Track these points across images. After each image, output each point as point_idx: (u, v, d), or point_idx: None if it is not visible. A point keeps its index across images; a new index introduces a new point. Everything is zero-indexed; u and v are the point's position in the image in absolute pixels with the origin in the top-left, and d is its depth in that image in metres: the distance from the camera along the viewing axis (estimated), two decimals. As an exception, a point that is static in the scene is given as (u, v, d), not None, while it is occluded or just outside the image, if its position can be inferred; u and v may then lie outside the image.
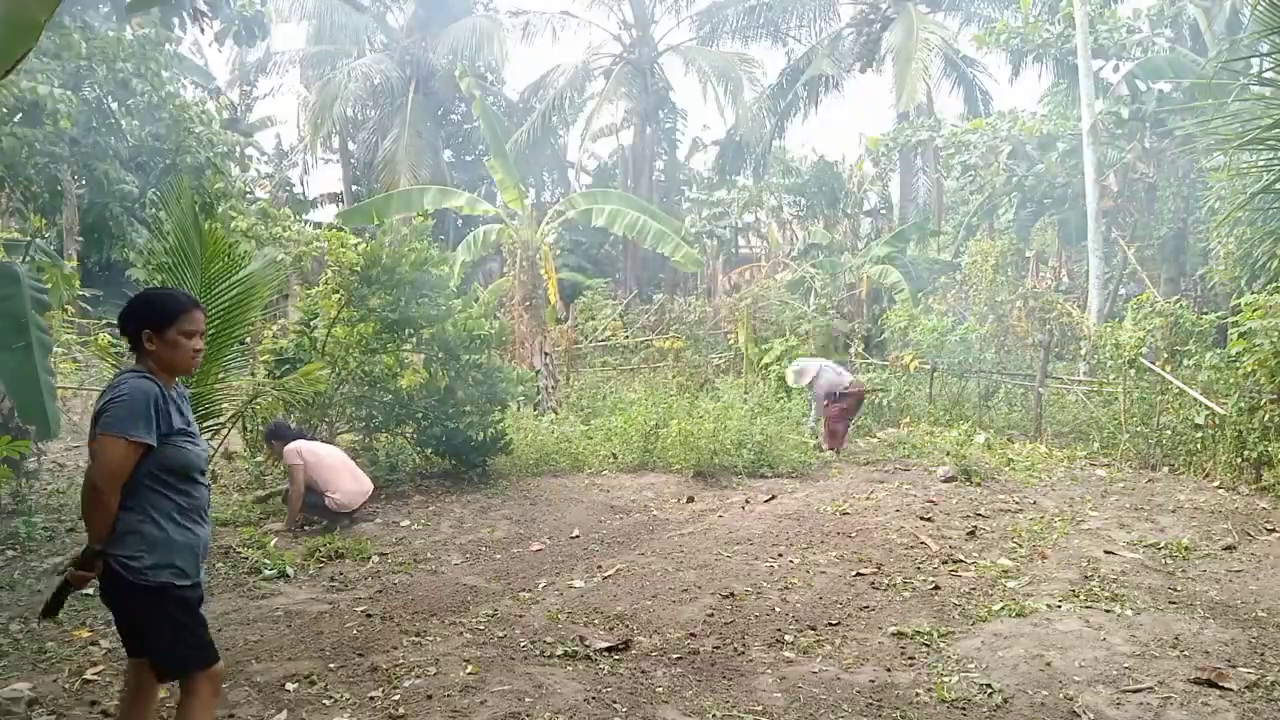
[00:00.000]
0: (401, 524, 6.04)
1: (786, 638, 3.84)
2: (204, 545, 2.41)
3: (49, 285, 5.39)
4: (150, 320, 2.34)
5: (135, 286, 6.25)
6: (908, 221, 20.66)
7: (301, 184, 28.50)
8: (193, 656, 2.37)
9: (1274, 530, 5.60)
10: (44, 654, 3.56)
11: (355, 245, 7.16)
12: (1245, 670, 3.40)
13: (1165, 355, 8.33)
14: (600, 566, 4.98)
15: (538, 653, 3.66)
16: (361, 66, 21.29)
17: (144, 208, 6.02)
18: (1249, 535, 5.49)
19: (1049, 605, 4.19)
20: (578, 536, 5.73)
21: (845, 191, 21.29)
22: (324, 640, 3.80)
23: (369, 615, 4.13)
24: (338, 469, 5.86)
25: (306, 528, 5.83)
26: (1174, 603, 4.23)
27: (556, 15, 22.53)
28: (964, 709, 3.14)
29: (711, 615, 4.12)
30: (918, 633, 3.86)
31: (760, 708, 3.16)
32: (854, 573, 4.77)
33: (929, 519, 5.93)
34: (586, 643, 3.74)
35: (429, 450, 7.42)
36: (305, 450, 5.77)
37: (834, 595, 4.40)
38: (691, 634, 3.89)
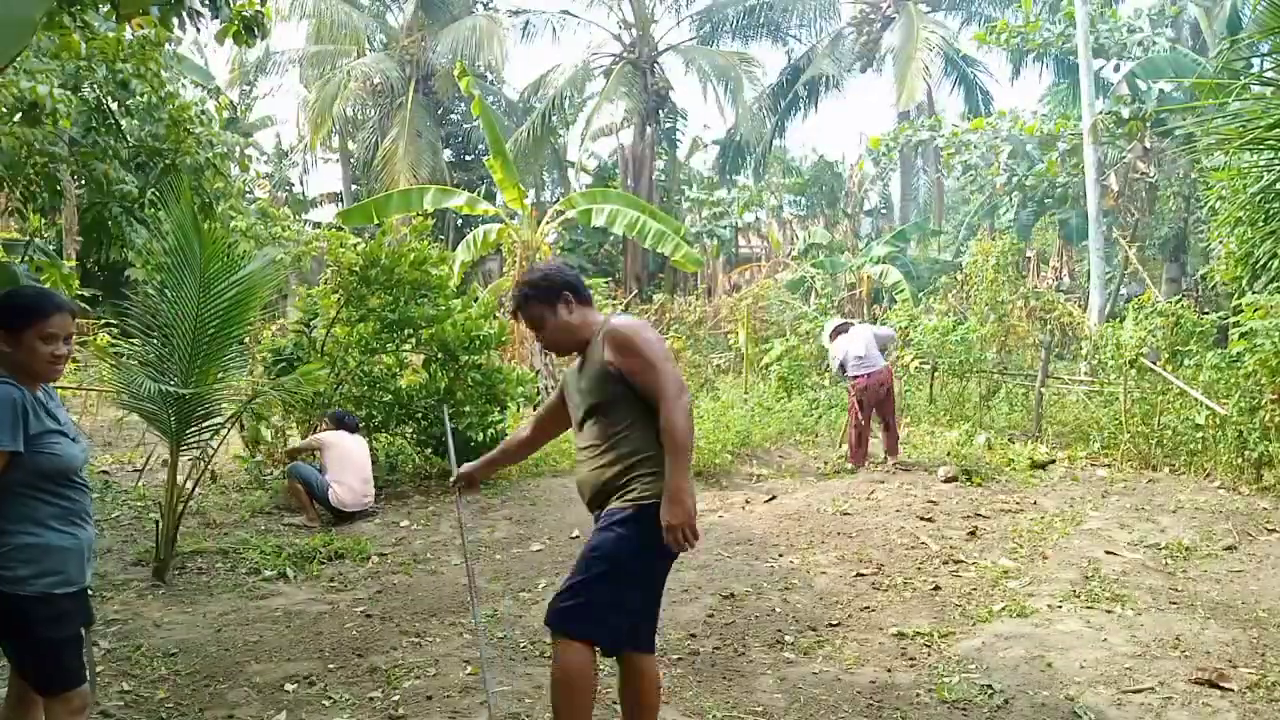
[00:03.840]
0: (401, 524, 6.04)
1: (787, 638, 3.84)
2: (88, 548, 2.30)
3: (48, 285, 5.38)
4: (3, 322, 2.17)
5: (134, 286, 6.25)
6: (908, 221, 20.70)
7: (301, 183, 28.58)
8: (53, 677, 2.23)
9: (1275, 530, 5.59)
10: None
11: (354, 245, 7.16)
12: (1246, 670, 3.39)
13: (1166, 355, 8.32)
14: (600, 567, 4.97)
15: (537, 653, 3.65)
16: (361, 66, 21.29)
17: (143, 208, 6.01)
18: (1250, 535, 5.48)
19: (1050, 606, 4.18)
20: (578, 537, 5.72)
21: (845, 191, 21.31)
22: (323, 641, 3.79)
23: (368, 616, 4.13)
24: (348, 468, 6.04)
25: (304, 529, 5.84)
26: (1175, 603, 4.22)
27: (556, 15, 22.54)
28: (965, 709, 3.13)
29: (712, 616, 4.11)
30: (918, 633, 3.86)
31: (760, 708, 3.15)
32: (854, 573, 4.76)
33: (929, 519, 5.92)
34: (586, 643, 3.73)
35: (429, 450, 7.42)
36: (332, 441, 6.14)
37: (834, 596, 4.40)
38: (691, 634, 3.88)
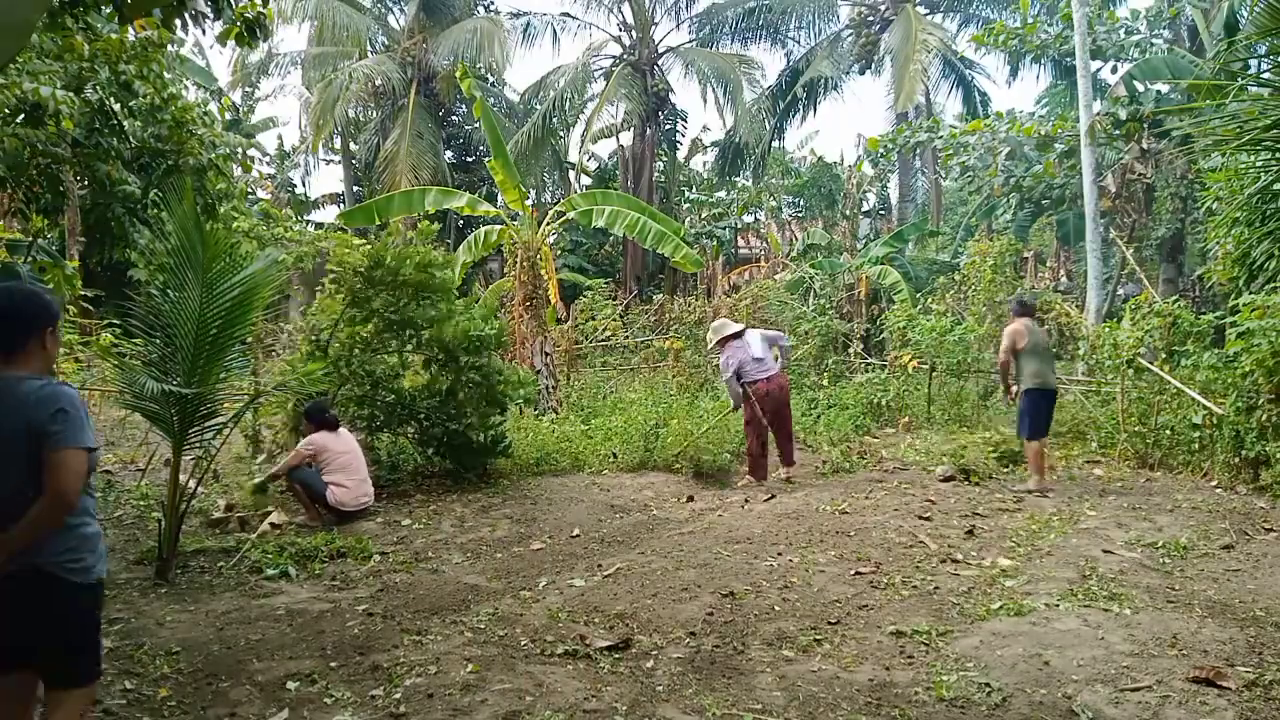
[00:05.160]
0: (403, 523, 6.06)
1: (786, 636, 3.85)
2: None
3: (51, 285, 5.41)
4: (52, 319, 2.30)
5: (137, 287, 6.28)
6: (906, 222, 20.71)
7: (303, 184, 28.60)
8: (97, 663, 2.39)
9: (1271, 529, 5.61)
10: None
11: (359, 246, 7.19)
12: (1243, 669, 3.41)
13: (1163, 355, 8.34)
14: (600, 565, 5.00)
15: (538, 651, 3.67)
16: (363, 68, 21.31)
17: (146, 209, 6.05)
18: (1247, 534, 5.50)
19: (1047, 604, 4.20)
20: (578, 535, 5.74)
21: (844, 192, 21.33)
22: (325, 639, 3.82)
23: (370, 614, 4.15)
24: (346, 469, 6.03)
25: (305, 529, 5.85)
26: (1172, 602, 4.24)
27: (557, 17, 22.59)
28: (963, 708, 3.15)
29: (711, 614, 4.13)
30: (916, 632, 3.88)
31: (760, 706, 3.17)
32: (853, 572, 4.78)
33: (928, 518, 5.94)
34: (587, 641, 3.76)
35: (430, 450, 7.44)
36: (323, 445, 6.00)
37: (833, 594, 4.42)
38: (691, 633, 3.90)
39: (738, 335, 7.69)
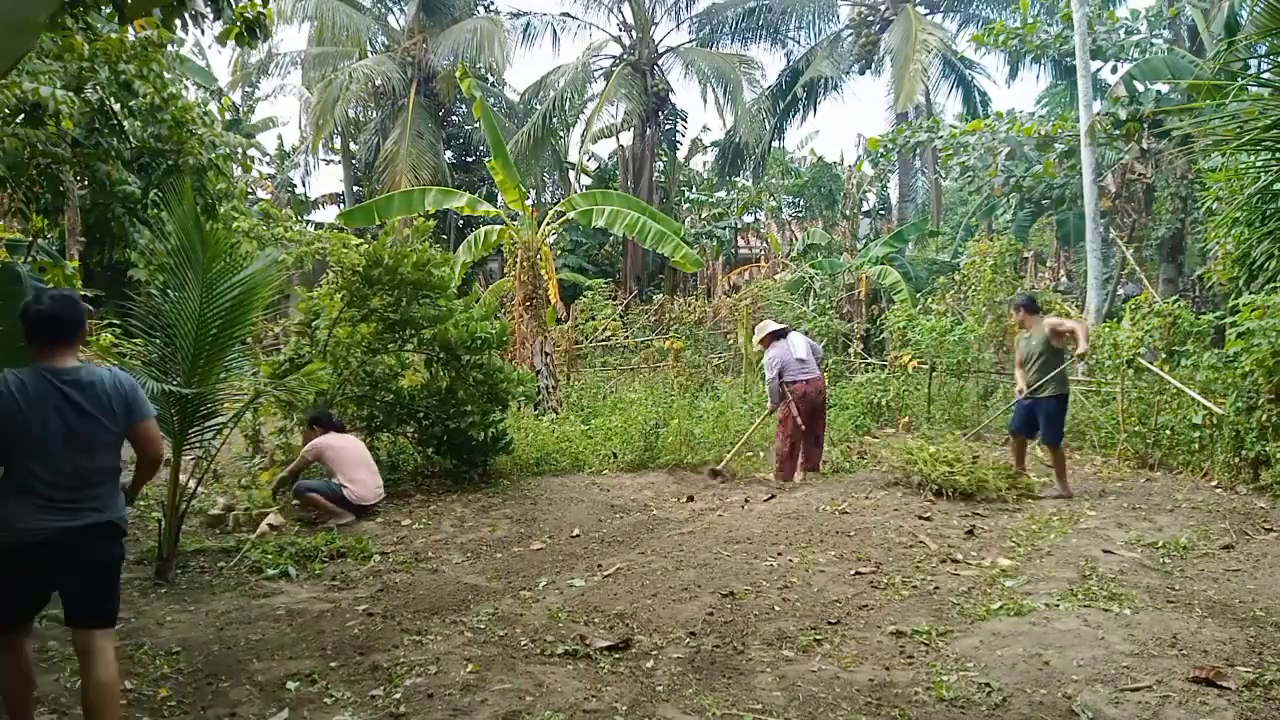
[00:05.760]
0: (403, 523, 6.06)
1: (786, 636, 3.86)
2: None
3: (51, 285, 5.40)
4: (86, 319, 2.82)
5: (137, 287, 6.28)
6: (906, 222, 20.70)
7: (303, 185, 28.57)
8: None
9: (1271, 529, 5.61)
10: (46, 653, 3.57)
11: (357, 246, 7.19)
12: (1243, 669, 3.41)
13: (1163, 355, 8.34)
14: (600, 565, 5.00)
15: (538, 651, 3.68)
16: (363, 68, 21.31)
17: (146, 209, 6.07)
18: (1247, 534, 5.50)
19: (1047, 604, 4.20)
20: (578, 535, 5.75)
21: (844, 192, 21.33)
22: (325, 639, 3.82)
23: (370, 614, 4.15)
24: (355, 464, 6.13)
25: (309, 528, 5.85)
26: (1172, 602, 4.24)
27: (557, 17, 22.58)
28: (963, 708, 3.15)
29: (711, 614, 4.14)
30: (916, 631, 3.88)
31: (760, 706, 3.17)
32: (853, 572, 4.78)
33: (927, 518, 5.94)
34: (587, 641, 3.76)
35: (430, 450, 7.44)
36: (325, 445, 6.12)
37: (833, 594, 4.42)
38: (691, 633, 3.90)
39: (781, 335, 7.80)
